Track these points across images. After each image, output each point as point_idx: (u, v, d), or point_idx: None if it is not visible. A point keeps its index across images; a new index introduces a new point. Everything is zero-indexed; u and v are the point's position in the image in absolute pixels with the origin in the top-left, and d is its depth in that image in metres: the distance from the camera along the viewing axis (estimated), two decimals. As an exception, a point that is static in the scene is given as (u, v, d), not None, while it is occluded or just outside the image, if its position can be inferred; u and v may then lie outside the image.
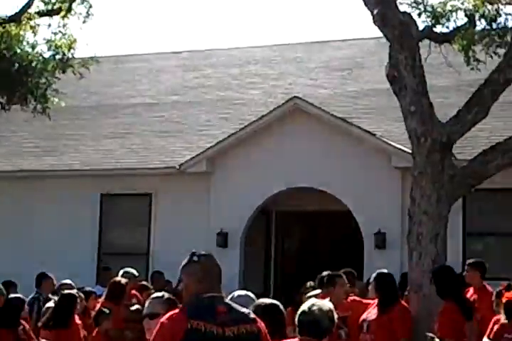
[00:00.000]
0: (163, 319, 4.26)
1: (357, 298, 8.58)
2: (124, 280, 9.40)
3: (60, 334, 8.26)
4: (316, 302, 5.19)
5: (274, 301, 5.47)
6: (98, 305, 8.88)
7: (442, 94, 13.69)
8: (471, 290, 9.80)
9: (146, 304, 4.95)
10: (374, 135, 12.95)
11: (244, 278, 13.57)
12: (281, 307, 5.40)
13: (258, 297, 6.73)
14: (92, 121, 17.07)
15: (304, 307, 5.11)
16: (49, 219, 14.66)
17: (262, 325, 4.35)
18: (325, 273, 9.15)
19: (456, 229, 11.07)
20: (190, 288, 4.39)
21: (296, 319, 5.10)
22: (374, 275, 8.37)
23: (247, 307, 5.37)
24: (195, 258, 4.48)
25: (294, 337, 5.16)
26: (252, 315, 4.38)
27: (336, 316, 5.14)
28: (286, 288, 12.97)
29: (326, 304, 5.18)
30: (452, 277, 7.82)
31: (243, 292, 5.67)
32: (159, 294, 5.16)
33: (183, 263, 4.47)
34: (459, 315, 7.49)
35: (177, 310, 4.29)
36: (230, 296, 5.51)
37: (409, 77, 8.40)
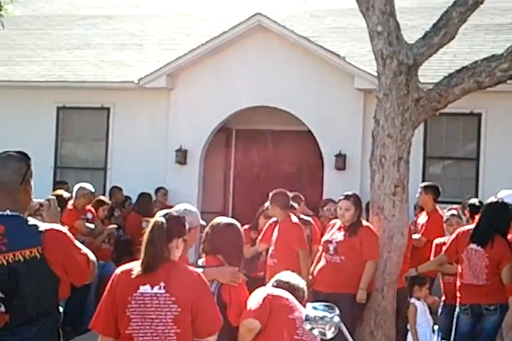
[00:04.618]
0: None
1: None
2: (66, 195, 9.41)
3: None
4: (292, 274, 5.37)
5: (232, 220, 5.45)
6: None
7: (406, 15, 13.53)
8: (424, 213, 9.96)
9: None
10: (338, 55, 12.79)
11: (203, 197, 13.57)
12: (239, 226, 5.38)
13: (216, 216, 6.71)
14: (48, 31, 16.61)
15: (279, 277, 5.30)
16: (2, 131, 14.37)
17: (50, 249, 3.65)
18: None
19: (417, 152, 11.09)
20: None
21: (271, 285, 5.26)
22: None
23: (195, 223, 5.30)
24: None
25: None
26: (41, 237, 3.66)
27: (306, 291, 5.37)
28: (245, 207, 13.00)
29: (301, 281, 5.38)
30: None
31: (191, 206, 5.52)
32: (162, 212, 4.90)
33: None
34: None
35: None
36: (176, 209, 5.44)
37: (377, -4, 8.23)
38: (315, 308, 3.61)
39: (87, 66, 14.66)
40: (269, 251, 8.63)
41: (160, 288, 4.19)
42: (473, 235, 7.53)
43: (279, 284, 5.17)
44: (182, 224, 4.46)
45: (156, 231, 4.27)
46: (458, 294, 7.64)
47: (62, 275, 3.73)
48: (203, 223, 5.47)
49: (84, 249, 3.88)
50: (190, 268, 4.40)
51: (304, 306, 4.89)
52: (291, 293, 5.10)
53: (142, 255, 4.27)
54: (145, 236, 4.29)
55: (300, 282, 5.26)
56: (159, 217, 4.36)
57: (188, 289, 4.21)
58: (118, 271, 4.38)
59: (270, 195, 8.80)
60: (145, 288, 4.19)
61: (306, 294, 5.28)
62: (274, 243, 8.55)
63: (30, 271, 3.60)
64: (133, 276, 4.22)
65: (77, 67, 14.62)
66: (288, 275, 5.28)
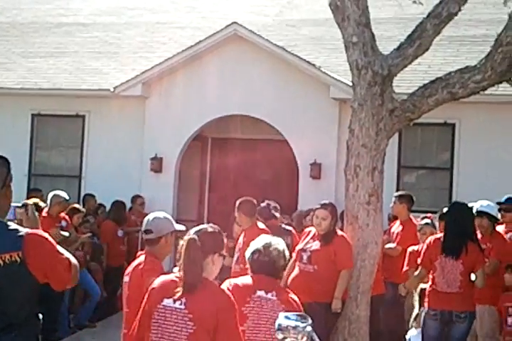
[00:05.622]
0: None
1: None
2: (42, 204, 9.38)
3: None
4: (271, 241, 5.11)
5: (214, 226, 5.42)
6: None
7: (381, 26, 13.62)
8: (398, 222, 10.01)
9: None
10: (313, 65, 12.85)
11: (178, 205, 13.55)
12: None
13: (192, 223, 6.68)
14: (23, 38, 16.54)
15: (258, 245, 5.06)
16: (-23, 138, 14.29)
17: (30, 253, 3.63)
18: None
19: (391, 161, 11.16)
20: None
21: (249, 256, 5.08)
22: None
23: (165, 230, 5.30)
24: None
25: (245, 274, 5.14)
26: (21, 241, 3.62)
27: (287, 253, 5.13)
28: (220, 215, 12.99)
29: (281, 243, 5.10)
30: None
31: (161, 214, 5.49)
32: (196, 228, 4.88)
33: None
34: None
35: None
36: (146, 219, 5.43)
37: (353, 7, 8.27)
38: (287, 318, 3.61)
39: (63, 73, 14.61)
40: (235, 258, 8.65)
41: (181, 304, 4.15)
42: (445, 247, 7.53)
43: (259, 258, 5.01)
44: (217, 239, 4.41)
45: (190, 250, 4.23)
46: (426, 299, 7.67)
47: (42, 279, 3.70)
48: (183, 228, 5.42)
49: (66, 254, 3.84)
50: (221, 288, 4.31)
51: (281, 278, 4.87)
52: (270, 268, 4.96)
53: (182, 274, 4.23)
54: (181, 255, 4.26)
55: (279, 248, 5.02)
56: (192, 234, 4.32)
57: (209, 309, 4.10)
58: (155, 281, 4.36)
59: (237, 203, 8.86)
60: (168, 302, 4.17)
61: (287, 260, 5.15)
62: (241, 249, 8.55)
63: (10, 275, 3.57)
64: (176, 296, 4.17)
65: (53, 75, 14.57)
66: (266, 246, 5.03)
